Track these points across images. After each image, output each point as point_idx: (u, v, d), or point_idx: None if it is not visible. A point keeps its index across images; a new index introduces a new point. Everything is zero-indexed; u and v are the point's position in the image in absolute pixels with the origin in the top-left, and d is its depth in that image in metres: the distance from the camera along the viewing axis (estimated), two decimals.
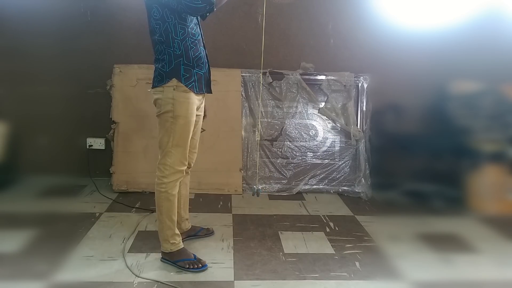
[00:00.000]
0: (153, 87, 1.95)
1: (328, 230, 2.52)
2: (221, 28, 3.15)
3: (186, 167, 2.03)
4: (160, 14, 1.85)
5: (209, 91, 2.07)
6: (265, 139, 3.20)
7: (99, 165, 3.20)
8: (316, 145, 3.23)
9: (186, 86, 1.91)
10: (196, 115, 2.04)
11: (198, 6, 1.80)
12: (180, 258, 2.01)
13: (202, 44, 2.00)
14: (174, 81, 1.89)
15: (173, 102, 1.89)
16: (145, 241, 2.27)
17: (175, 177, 1.97)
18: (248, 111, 3.18)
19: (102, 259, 2.07)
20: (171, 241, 2.02)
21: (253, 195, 2.20)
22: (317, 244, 2.32)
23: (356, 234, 2.47)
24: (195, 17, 1.95)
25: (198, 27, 1.99)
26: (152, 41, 1.94)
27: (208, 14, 2.01)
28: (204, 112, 2.18)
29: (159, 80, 1.91)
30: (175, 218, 2.04)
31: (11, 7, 2.97)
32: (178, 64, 1.90)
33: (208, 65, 2.04)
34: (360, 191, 3.12)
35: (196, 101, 1.98)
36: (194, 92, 1.94)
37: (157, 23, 1.87)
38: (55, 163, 3.13)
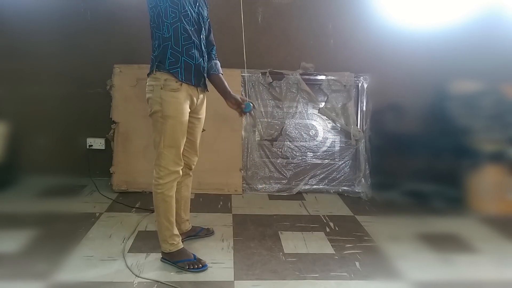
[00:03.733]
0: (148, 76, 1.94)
1: (328, 230, 2.52)
2: (221, 28, 3.15)
3: (181, 167, 1.98)
4: (154, 1, 1.85)
5: (200, 85, 1.99)
6: (265, 139, 3.20)
7: (99, 165, 3.20)
8: (316, 145, 3.23)
9: (169, 70, 1.86)
10: (196, 117, 2.03)
11: None
12: (180, 258, 2.01)
13: (199, 37, 1.95)
14: (160, 68, 1.86)
15: (161, 101, 1.86)
16: (145, 241, 2.26)
17: (170, 178, 1.95)
18: None
19: (102, 259, 2.07)
20: (169, 242, 2.01)
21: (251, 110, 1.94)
22: (317, 244, 2.32)
23: (356, 234, 2.46)
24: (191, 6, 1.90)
25: (200, 20, 1.95)
26: (151, 32, 1.94)
27: None
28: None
29: (151, 67, 1.91)
30: (173, 219, 2.03)
31: (11, 7, 2.97)
32: (165, 47, 1.87)
33: (204, 59, 1.99)
34: (360, 191, 3.12)
35: (187, 99, 1.92)
36: (179, 80, 1.87)
37: (151, 10, 1.87)
38: (55, 163, 3.14)
